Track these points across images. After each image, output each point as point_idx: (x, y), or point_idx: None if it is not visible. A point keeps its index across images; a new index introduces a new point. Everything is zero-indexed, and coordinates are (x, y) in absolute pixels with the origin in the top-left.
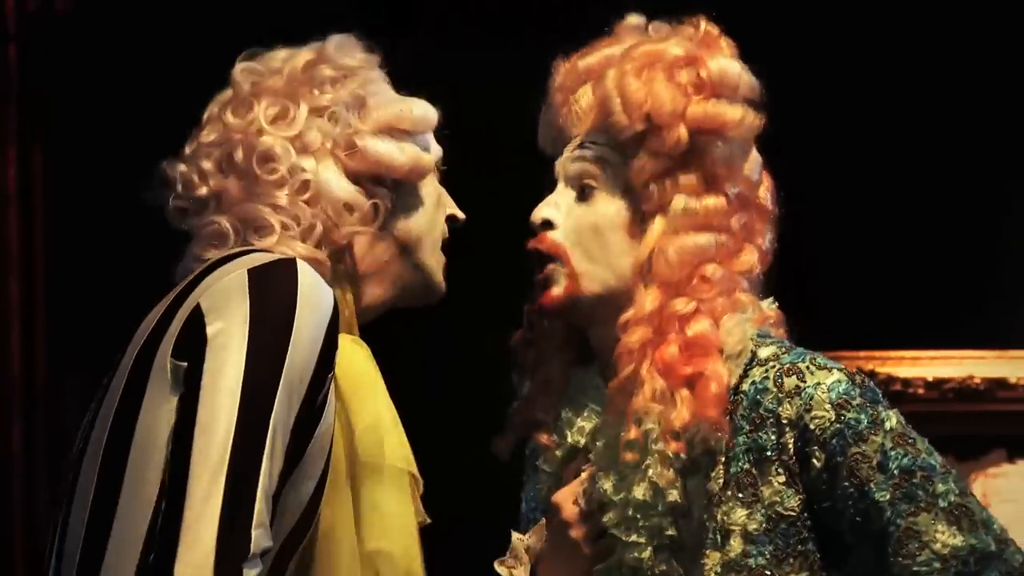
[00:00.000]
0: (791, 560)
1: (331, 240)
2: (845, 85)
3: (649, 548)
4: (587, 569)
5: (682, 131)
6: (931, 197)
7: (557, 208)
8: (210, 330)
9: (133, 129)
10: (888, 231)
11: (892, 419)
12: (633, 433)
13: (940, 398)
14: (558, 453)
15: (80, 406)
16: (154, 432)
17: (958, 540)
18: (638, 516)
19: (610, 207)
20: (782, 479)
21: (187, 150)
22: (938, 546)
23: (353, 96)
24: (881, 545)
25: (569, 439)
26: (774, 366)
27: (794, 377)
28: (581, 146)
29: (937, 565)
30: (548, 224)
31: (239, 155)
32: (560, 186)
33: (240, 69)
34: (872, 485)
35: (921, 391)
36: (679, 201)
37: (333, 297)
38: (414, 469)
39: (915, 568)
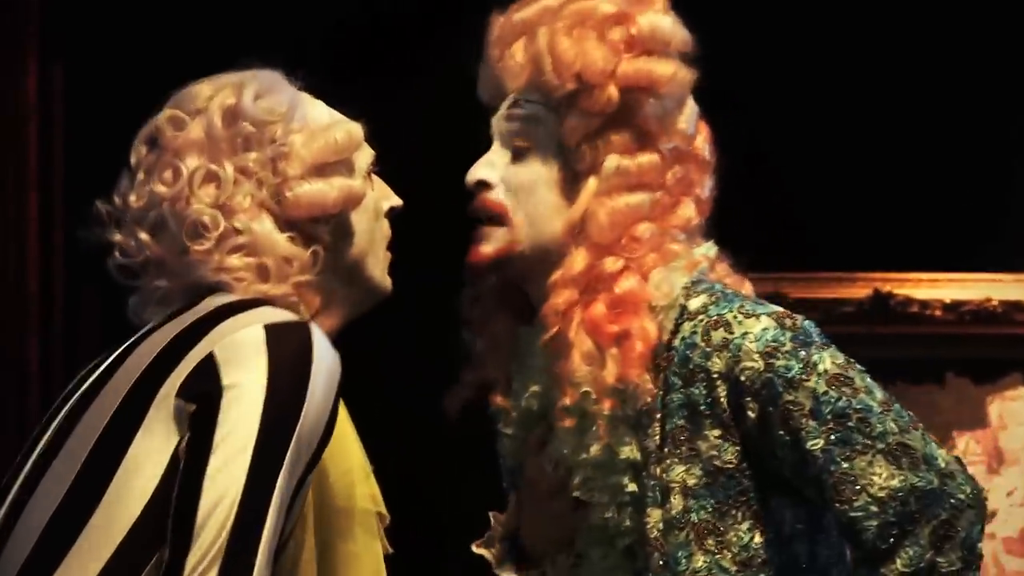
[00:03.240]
0: (733, 511)
1: (282, 280)
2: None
3: (613, 506)
4: (571, 535)
5: (612, 90)
6: (953, 119)
7: (492, 167)
8: (226, 381)
9: (153, 42)
10: (909, 152)
11: (826, 360)
12: (568, 398)
13: (957, 320)
14: (514, 415)
15: (96, 319)
16: (144, 466)
17: (895, 481)
18: (597, 476)
19: (543, 166)
20: (717, 433)
21: (119, 203)
22: (875, 489)
23: (275, 149)
24: (817, 489)
25: (523, 403)
26: (702, 319)
27: (721, 330)
28: (515, 104)
29: (874, 508)
30: (483, 184)
31: (172, 226)
32: (495, 145)
33: (166, 118)
34: (804, 433)
35: (939, 313)
36: (612, 161)
37: (339, 362)
38: (382, 508)
39: (852, 514)
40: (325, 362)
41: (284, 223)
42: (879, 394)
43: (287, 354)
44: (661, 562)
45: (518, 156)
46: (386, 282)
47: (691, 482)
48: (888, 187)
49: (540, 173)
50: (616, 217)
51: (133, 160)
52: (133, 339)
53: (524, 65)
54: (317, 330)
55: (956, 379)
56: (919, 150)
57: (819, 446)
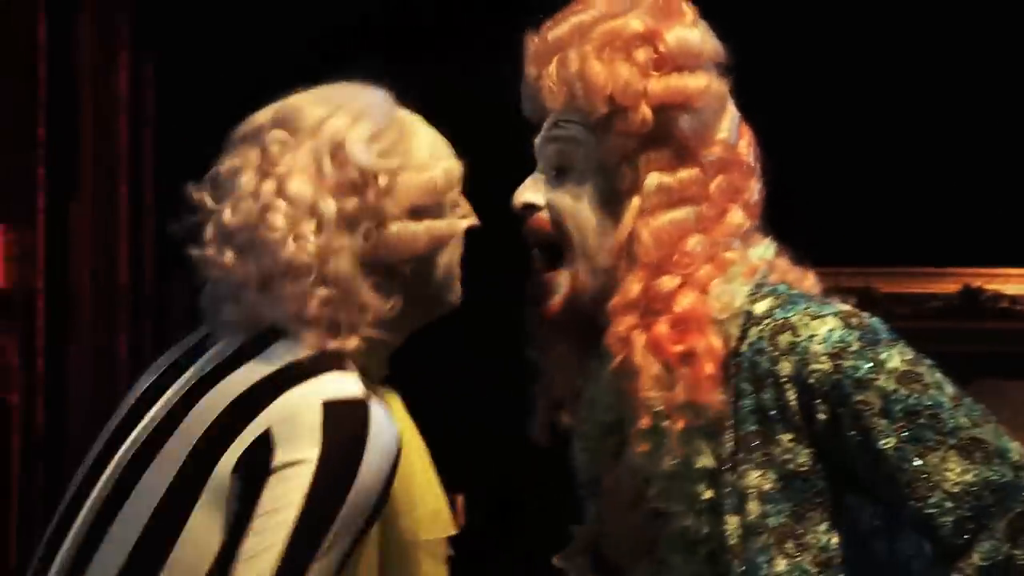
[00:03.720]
0: (810, 514)
1: (353, 331)
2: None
3: (690, 514)
4: (652, 543)
5: (645, 110)
6: None
7: (536, 190)
8: (276, 461)
9: (242, 35)
10: (1000, 146)
11: (895, 358)
12: (643, 423)
13: None
14: (587, 428)
15: (185, 313)
16: (199, 544)
17: (970, 476)
18: (673, 485)
19: (586, 187)
20: (789, 436)
21: (211, 204)
22: (949, 485)
23: (377, 194)
24: (891, 488)
25: (597, 416)
26: (768, 323)
27: (788, 333)
28: (555, 125)
29: (949, 505)
30: (531, 207)
31: (264, 255)
32: (539, 166)
33: (273, 137)
34: (875, 433)
35: None
36: (652, 179)
37: (399, 438)
38: (447, 531)
39: (927, 511)
40: (380, 444)
41: (371, 263)
42: (949, 389)
43: (341, 437)
44: (742, 568)
45: (561, 177)
46: (455, 302)
47: (766, 487)
48: (979, 182)
49: (584, 194)
50: (662, 235)
51: (234, 164)
52: (198, 371)
53: (559, 87)
54: (377, 408)
55: None
56: (1012, 144)
57: (891, 445)
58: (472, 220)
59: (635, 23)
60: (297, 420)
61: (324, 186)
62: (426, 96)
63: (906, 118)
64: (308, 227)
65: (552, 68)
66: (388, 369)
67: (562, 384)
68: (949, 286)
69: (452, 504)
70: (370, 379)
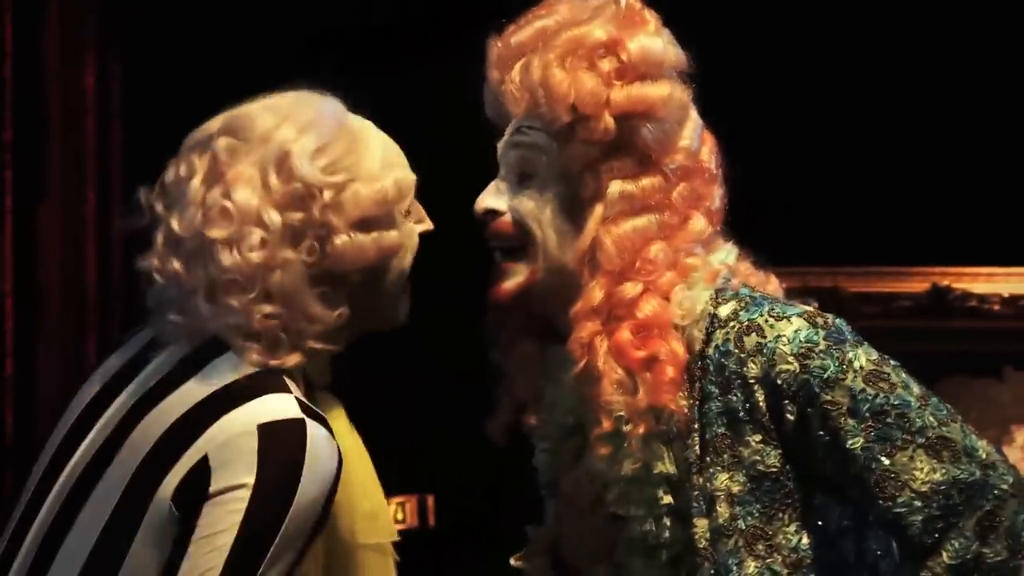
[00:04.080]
0: (780, 515)
1: (297, 344)
2: None
3: (649, 519)
4: (610, 547)
5: (608, 119)
6: (1011, 114)
7: (499, 195)
8: (212, 487)
9: (210, 35)
10: (968, 146)
11: (861, 357)
12: (604, 426)
13: (1016, 315)
14: (548, 430)
15: None
16: (140, 575)
17: (938, 475)
18: (632, 490)
19: (549, 194)
20: (758, 438)
21: (161, 210)
22: (917, 484)
23: (323, 208)
24: (860, 488)
25: (557, 419)
26: (734, 326)
27: (754, 334)
28: (518, 131)
29: (918, 504)
30: (492, 213)
31: (209, 266)
32: (501, 172)
33: (222, 145)
34: (843, 433)
35: (997, 307)
36: (615, 187)
37: (338, 455)
38: (394, 535)
39: (896, 510)
40: (317, 464)
41: (320, 274)
42: (916, 388)
43: (278, 460)
44: (712, 571)
45: (524, 184)
46: (403, 316)
47: (735, 489)
48: (946, 181)
49: (546, 201)
50: (624, 243)
51: (183, 171)
52: (140, 386)
53: (521, 93)
54: (314, 427)
55: (1015, 373)
56: (978, 144)
57: (859, 444)
58: (426, 225)
59: (598, 31)
60: (233, 445)
61: (269, 198)
62: (388, 101)
63: (874, 118)
64: (253, 238)
65: (515, 74)
66: (330, 375)
67: (524, 385)
68: (918, 285)
69: (423, 505)
70: (312, 387)
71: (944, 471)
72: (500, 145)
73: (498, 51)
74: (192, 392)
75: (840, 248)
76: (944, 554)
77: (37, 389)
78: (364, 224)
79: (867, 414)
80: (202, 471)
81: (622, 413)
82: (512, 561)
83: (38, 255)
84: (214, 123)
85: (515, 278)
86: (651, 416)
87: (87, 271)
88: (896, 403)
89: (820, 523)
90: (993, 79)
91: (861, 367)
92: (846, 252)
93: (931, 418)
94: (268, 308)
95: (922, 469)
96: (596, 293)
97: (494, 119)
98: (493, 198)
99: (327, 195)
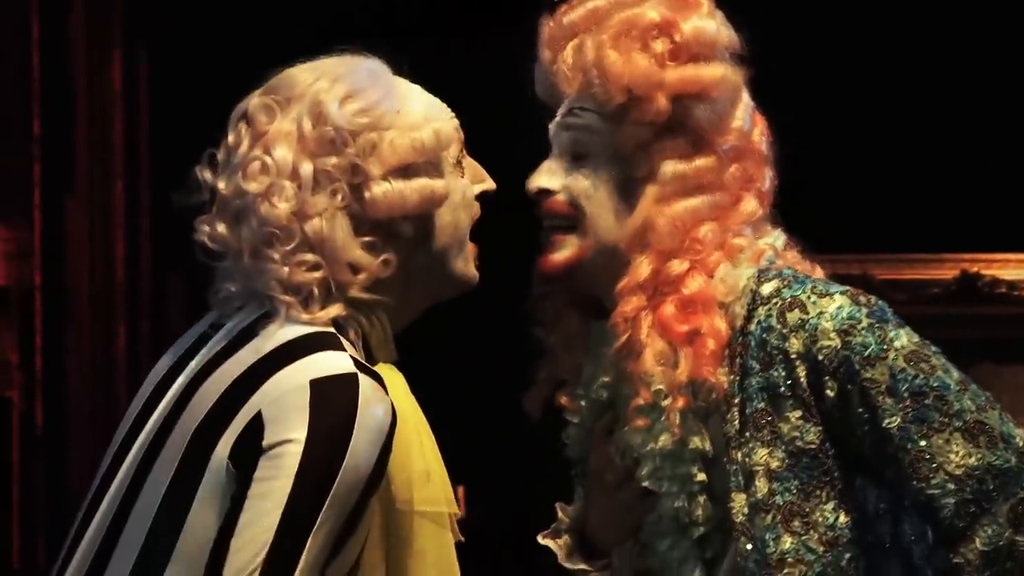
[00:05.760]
0: (817, 492)
1: (340, 295)
2: None
3: (682, 496)
4: (636, 525)
5: (662, 100)
6: None
7: (552, 174)
8: (266, 441)
9: (236, 27)
10: (995, 131)
11: (903, 337)
12: (643, 397)
13: None
14: (583, 406)
15: (183, 308)
16: (200, 536)
17: (973, 459)
18: (666, 466)
19: (602, 174)
20: (798, 414)
21: (210, 181)
22: (952, 467)
23: (358, 152)
24: (895, 468)
25: (592, 394)
26: (776, 303)
27: (796, 311)
28: (571, 112)
29: (952, 487)
30: (546, 192)
31: (252, 223)
32: (553, 152)
33: (259, 104)
34: (881, 411)
35: None
36: (668, 167)
37: (391, 411)
38: (454, 508)
39: (929, 491)
40: (370, 418)
41: (364, 223)
42: (956, 373)
43: (329, 415)
44: (749, 546)
45: (577, 164)
46: (470, 273)
47: (774, 465)
48: (975, 167)
49: (600, 180)
50: (676, 223)
51: (230, 139)
52: (204, 356)
53: (575, 74)
54: (367, 382)
55: None
56: (1005, 129)
57: (896, 424)
58: (485, 185)
59: (652, 12)
60: (285, 401)
61: (304, 148)
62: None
63: (901, 105)
64: (287, 189)
65: (568, 54)
66: (397, 354)
67: (566, 362)
68: (947, 272)
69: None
70: (373, 359)
71: (980, 456)
72: (552, 125)
73: (550, 31)
74: (247, 356)
75: (868, 235)
76: (977, 540)
77: (67, 382)
78: (404, 171)
79: (906, 394)
80: (256, 427)
81: (661, 387)
82: (539, 538)
83: (66, 249)
84: (259, 89)
85: (566, 251)
86: (690, 391)
87: (116, 264)
88: (935, 385)
89: (858, 504)
90: (1021, 62)
91: (902, 346)
92: (874, 239)
93: (969, 402)
94: (309, 257)
95: (957, 452)
96: (643, 269)
97: (545, 98)
98: (547, 177)
99: (360, 140)
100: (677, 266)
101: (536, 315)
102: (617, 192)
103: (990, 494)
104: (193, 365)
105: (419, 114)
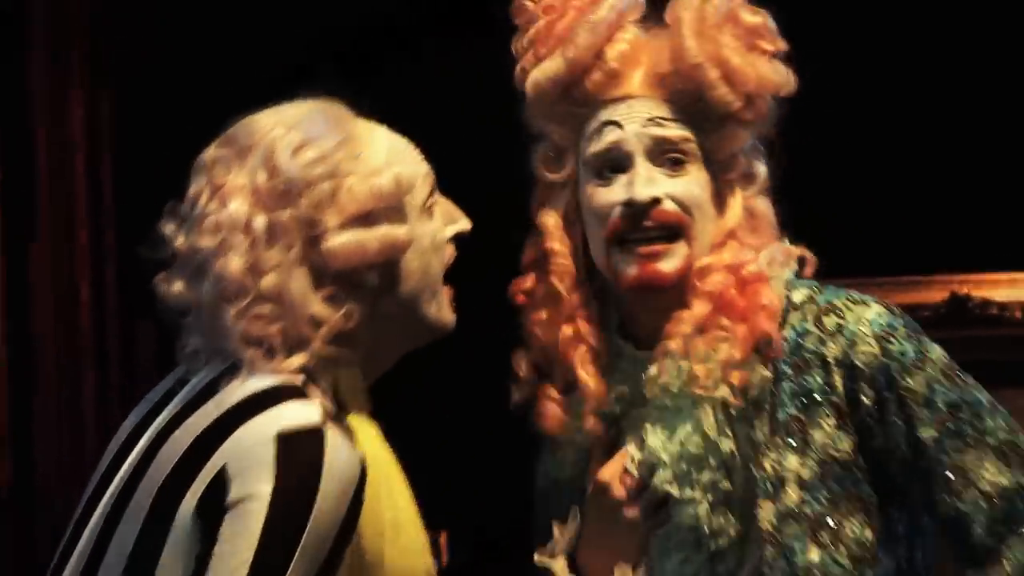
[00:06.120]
0: (847, 503)
1: (302, 347)
2: None
3: (705, 503)
4: (639, 544)
5: (768, 100)
6: None
7: (653, 183)
8: (231, 496)
9: (201, 66)
10: (983, 148)
11: (936, 351)
12: (700, 369)
13: None
14: (579, 424)
15: (152, 358)
16: None
17: (1004, 479)
18: (692, 470)
19: (702, 179)
20: (832, 422)
21: (171, 235)
22: (984, 484)
23: (312, 203)
24: (927, 482)
25: (605, 407)
26: (811, 308)
27: (833, 316)
28: (655, 118)
29: (983, 504)
30: (657, 202)
31: (209, 280)
32: (641, 159)
33: (213, 156)
34: (916, 421)
35: (1018, 315)
36: (760, 168)
37: (361, 463)
38: (428, 560)
39: (961, 507)
40: (338, 471)
41: (325, 275)
42: (987, 394)
43: (296, 467)
44: (776, 556)
45: (674, 169)
46: (445, 318)
47: (805, 473)
48: (963, 184)
49: (701, 186)
50: (763, 222)
51: (192, 190)
52: (172, 410)
53: (660, 74)
54: (334, 435)
55: None
56: (993, 146)
57: (931, 435)
58: (459, 226)
59: (744, 11)
60: (251, 454)
61: (258, 202)
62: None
63: (885, 124)
64: (241, 246)
65: (652, 54)
66: (370, 403)
67: (563, 371)
68: (935, 295)
69: (435, 543)
70: (345, 410)
71: (1010, 477)
72: (631, 134)
73: (597, 24)
74: (212, 409)
75: (853, 258)
76: (1004, 562)
77: (34, 436)
78: (364, 219)
79: (942, 406)
80: (221, 482)
81: (713, 366)
82: (536, 557)
83: (31, 299)
84: (218, 139)
85: (675, 260)
86: (725, 391)
87: (82, 313)
88: (970, 400)
89: (884, 522)
90: (1011, 82)
91: (938, 358)
92: (860, 262)
93: (1002, 422)
94: (267, 309)
95: (989, 470)
96: (727, 255)
97: (547, 92)
98: (651, 186)
99: (316, 190)
100: (745, 254)
101: (530, 327)
102: (713, 196)
103: (1020, 516)
104: (160, 420)
105: (380, 159)
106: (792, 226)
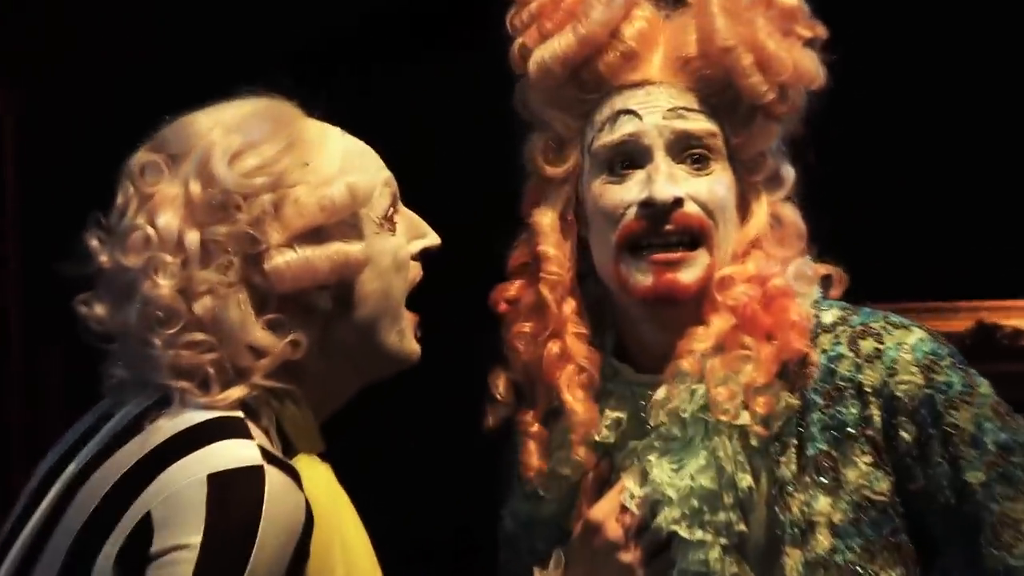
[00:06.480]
0: (884, 553)
1: (240, 380)
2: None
3: (717, 547)
4: None
5: (802, 93)
6: None
7: (674, 181)
8: (155, 548)
9: (126, 66)
10: (1010, 173)
11: (985, 385)
12: (719, 393)
13: None
14: (566, 458)
15: (57, 380)
16: None
17: None
18: (704, 509)
19: (725, 180)
20: (868, 459)
21: (95, 249)
22: None
23: (252, 217)
24: (972, 532)
25: (597, 436)
26: (844, 330)
27: (871, 339)
28: (684, 107)
29: None
30: (679, 203)
31: (135, 303)
32: (662, 155)
33: (142, 161)
34: (963, 462)
35: None
36: (788, 171)
37: (306, 509)
38: None
39: (1011, 562)
40: (279, 519)
41: (269, 298)
42: None
43: (230, 514)
44: None
45: (698, 169)
46: (407, 348)
47: (837, 517)
48: (989, 209)
49: (726, 188)
50: (790, 232)
51: (119, 200)
52: (93, 447)
53: (684, 60)
54: (276, 475)
55: None
56: (1017, 163)
57: (980, 479)
58: (426, 241)
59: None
60: (178, 499)
61: (191, 215)
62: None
63: (910, 148)
64: (171, 266)
65: (661, 36)
66: (321, 441)
67: (545, 393)
68: (960, 323)
69: None
70: (291, 449)
71: None
72: (650, 127)
73: (615, 8)
74: (137, 447)
75: (876, 284)
76: None
77: None
78: (313, 235)
79: (991, 446)
80: (145, 531)
81: (737, 388)
82: (535, 573)
83: None
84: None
85: (696, 270)
86: (747, 412)
87: None
88: (1021, 441)
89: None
90: None
91: (986, 394)
92: (882, 288)
93: None
94: (199, 337)
95: None
96: (752, 266)
97: (563, 76)
98: (673, 185)
99: (256, 202)
100: (770, 267)
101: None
102: (736, 198)
103: None
104: (80, 458)
105: (332, 166)
106: (817, 249)
